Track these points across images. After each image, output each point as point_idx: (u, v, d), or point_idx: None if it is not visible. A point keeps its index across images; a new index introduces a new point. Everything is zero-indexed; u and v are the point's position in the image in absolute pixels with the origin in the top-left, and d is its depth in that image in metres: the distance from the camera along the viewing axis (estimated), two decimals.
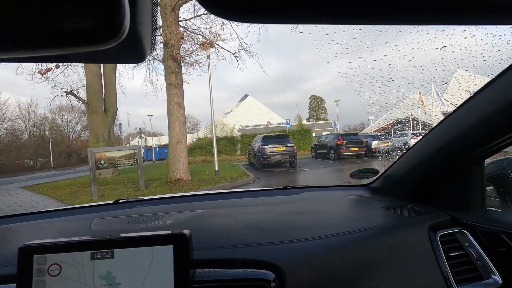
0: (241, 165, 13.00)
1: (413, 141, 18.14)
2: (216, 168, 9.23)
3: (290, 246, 0.74)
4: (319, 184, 2.82)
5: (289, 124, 24.96)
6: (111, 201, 1.30)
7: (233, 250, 0.72)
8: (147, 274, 0.54)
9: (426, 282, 0.76)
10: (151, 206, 1.20)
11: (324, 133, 17.99)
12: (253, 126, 35.95)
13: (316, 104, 61.30)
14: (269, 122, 38.98)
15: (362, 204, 1.15)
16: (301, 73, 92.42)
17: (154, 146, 33.46)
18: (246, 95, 47.62)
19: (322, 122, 42.59)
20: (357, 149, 13.82)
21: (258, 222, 0.92)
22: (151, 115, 30.18)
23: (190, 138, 25.82)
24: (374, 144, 15.43)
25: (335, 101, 25.20)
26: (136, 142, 38.18)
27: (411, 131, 21.48)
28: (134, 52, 0.30)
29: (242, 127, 34.92)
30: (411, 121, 25.46)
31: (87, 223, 0.96)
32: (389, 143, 15.68)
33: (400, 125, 28.59)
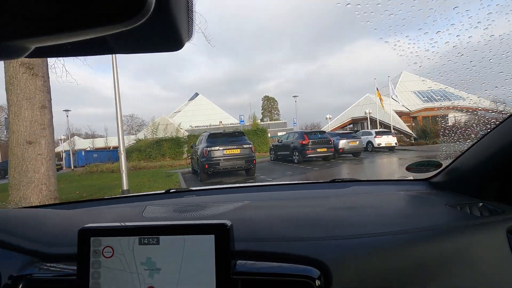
0: (181, 174, 9.94)
1: (377, 140, 16.76)
2: (125, 187, 5.83)
3: (337, 242, 0.68)
4: None
5: (243, 121, 22.52)
6: (163, 191, 1.40)
7: (276, 243, 0.69)
8: (188, 262, 0.55)
9: None
10: (197, 196, 1.28)
11: (281, 133, 15.63)
12: (204, 126, 33.42)
13: (269, 105, 60.80)
14: (221, 122, 36.68)
15: (421, 200, 1.02)
16: (255, 74, 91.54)
17: (81, 150, 28.08)
18: (196, 94, 45.01)
19: (276, 122, 41.18)
20: (325, 149, 11.59)
21: (303, 215, 0.88)
22: (67, 110, 24.68)
23: (128, 141, 21.76)
24: (342, 143, 13.41)
25: (294, 96, 23.16)
26: (66, 145, 32.25)
27: (375, 130, 20.48)
28: (170, 39, 0.28)
29: (192, 127, 32.26)
30: (368, 120, 24.84)
31: (140, 211, 1.01)
32: (358, 142, 13.89)
33: (352, 125, 27.87)
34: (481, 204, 0.88)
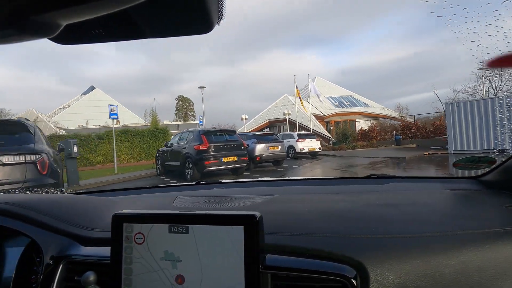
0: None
1: (300, 144, 13.44)
2: None
3: (375, 241, 0.63)
4: None
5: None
6: (193, 182, 1.43)
7: (308, 238, 0.65)
8: (216, 253, 0.55)
9: None
10: (227, 188, 1.29)
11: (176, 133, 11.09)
12: (96, 126, 26.18)
13: (184, 106, 55.26)
14: (118, 121, 29.74)
15: (473, 199, 0.95)
16: (171, 75, 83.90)
17: None
18: (92, 87, 36.22)
19: (188, 122, 36.02)
20: (235, 158, 7.62)
21: (337, 210, 0.84)
22: None
23: None
24: (260, 149, 9.66)
25: (200, 87, 18.54)
26: None
27: (297, 132, 17.82)
28: (200, 21, 0.28)
29: (81, 126, 24.79)
30: (287, 122, 22.46)
31: (171, 200, 1.02)
32: (280, 147, 10.44)
33: (269, 128, 25.30)
34: None
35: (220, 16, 0.29)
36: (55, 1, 0.21)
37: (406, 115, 23.56)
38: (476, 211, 0.82)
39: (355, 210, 0.83)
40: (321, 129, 22.20)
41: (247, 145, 9.07)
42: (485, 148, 12.11)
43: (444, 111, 15.16)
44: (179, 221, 0.57)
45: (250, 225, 0.53)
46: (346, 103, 30.16)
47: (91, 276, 0.61)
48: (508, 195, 0.91)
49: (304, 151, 14.10)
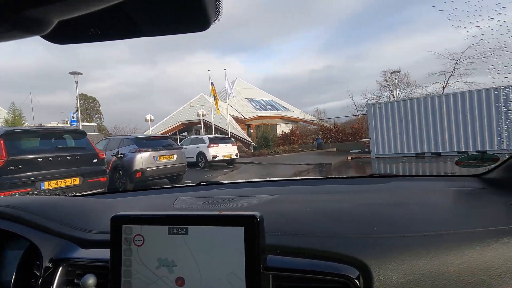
0: None
1: (212, 151, 10.46)
2: None
3: (378, 241, 0.62)
4: None
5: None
6: (194, 183, 1.41)
7: (310, 238, 0.65)
8: (216, 254, 0.54)
9: None
10: (228, 189, 1.26)
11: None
12: None
13: (88, 106, 46.44)
14: None
15: (476, 198, 0.94)
16: (79, 71, 70.83)
17: None
18: None
19: (86, 124, 29.30)
20: (75, 180, 4.12)
21: (339, 210, 0.83)
22: None
23: None
24: (142, 161, 6.40)
25: (72, 72, 13.65)
26: None
27: (209, 135, 14.74)
28: (197, 18, 0.28)
29: None
30: (202, 124, 19.34)
31: (171, 201, 1.00)
32: (175, 156, 7.30)
33: (186, 132, 21.95)
34: None
35: (217, 13, 0.28)
36: None
37: (324, 118, 23.38)
38: (479, 209, 0.82)
39: (357, 210, 0.82)
40: (241, 133, 19.94)
41: (117, 154, 5.78)
42: (406, 151, 11.66)
43: (367, 113, 14.41)
44: (179, 222, 0.56)
45: (251, 226, 0.53)
46: (267, 107, 29.22)
47: (90, 279, 0.62)
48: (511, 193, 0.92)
49: (217, 158, 11.39)
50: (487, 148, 10.17)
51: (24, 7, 0.21)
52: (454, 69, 18.09)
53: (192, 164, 11.52)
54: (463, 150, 10.54)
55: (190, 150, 11.63)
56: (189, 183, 1.46)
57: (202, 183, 1.37)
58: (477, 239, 0.61)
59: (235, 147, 12.24)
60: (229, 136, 17.83)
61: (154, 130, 21.68)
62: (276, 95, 31.38)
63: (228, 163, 12.19)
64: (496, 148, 9.99)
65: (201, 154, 11.41)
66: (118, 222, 0.58)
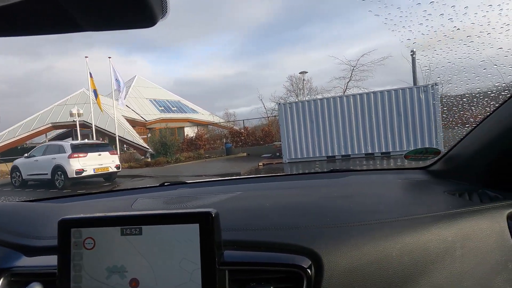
0: None
1: (75, 163, 7.47)
2: None
3: (329, 230, 0.66)
4: None
5: None
6: (157, 184, 1.34)
7: (266, 232, 0.67)
8: (172, 252, 0.53)
9: (504, 284, 0.64)
10: (191, 188, 1.24)
11: None
12: None
13: None
14: None
15: (419, 188, 1.03)
16: None
17: None
18: None
19: None
20: None
21: (296, 204, 0.86)
22: None
23: None
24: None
25: None
26: None
27: (73, 141, 10.72)
28: (142, 14, 0.27)
29: None
30: (77, 127, 15.03)
31: (129, 203, 0.97)
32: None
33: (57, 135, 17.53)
34: (480, 191, 0.86)
35: (164, 11, 0.27)
36: None
37: (234, 120, 21.85)
38: (423, 198, 0.90)
39: (313, 203, 0.86)
40: (135, 138, 16.39)
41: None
42: (318, 155, 10.94)
43: (277, 114, 13.23)
44: (132, 223, 0.54)
45: (206, 222, 0.53)
46: (173, 108, 26.19)
47: (36, 287, 0.59)
48: (451, 182, 0.98)
49: (85, 174, 8.08)
50: (390, 150, 10.30)
51: None
52: (351, 75, 19.60)
53: (46, 184, 7.95)
54: (370, 152, 10.47)
55: (43, 163, 8.02)
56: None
57: (165, 184, 1.32)
58: (417, 225, 0.67)
59: (115, 156, 9.09)
60: (118, 141, 14.21)
61: (8, 135, 15.91)
62: (188, 97, 28.76)
63: (106, 178, 9.01)
64: (397, 150, 10.16)
65: (58, 169, 7.90)
66: (66, 225, 0.55)
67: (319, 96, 17.09)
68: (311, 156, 10.87)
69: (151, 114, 22.99)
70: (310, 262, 0.58)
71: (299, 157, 10.97)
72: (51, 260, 0.61)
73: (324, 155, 10.83)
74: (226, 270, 0.55)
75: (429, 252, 0.63)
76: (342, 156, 10.72)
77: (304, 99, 15.98)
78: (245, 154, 15.67)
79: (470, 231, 0.67)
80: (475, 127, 0.91)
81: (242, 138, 16.73)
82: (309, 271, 0.57)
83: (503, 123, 0.80)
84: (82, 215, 0.57)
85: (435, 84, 9.92)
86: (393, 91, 10.17)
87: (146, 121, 21.82)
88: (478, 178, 0.91)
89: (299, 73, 16.71)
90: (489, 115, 0.86)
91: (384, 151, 10.34)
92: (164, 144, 14.10)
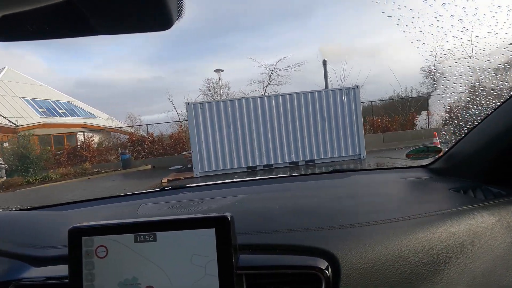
0: None
1: None
2: None
3: (342, 231, 0.66)
4: None
5: None
6: (158, 189, 1.33)
7: (278, 235, 0.66)
8: (188, 258, 0.52)
9: None
10: (194, 192, 1.20)
11: None
12: None
13: None
14: None
15: (423, 186, 1.03)
16: None
17: None
18: None
19: None
20: None
21: (304, 206, 0.85)
22: None
23: None
24: None
25: None
26: None
27: None
28: (158, 17, 0.27)
29: None
30: None
31: (134, 209, 0.96)
32: None
33: None
34: (483, 187, 0.86)
35: (179, 13, 0.27)
36: None
37: (139, 125, 18.23)
38: (429, 196, 0.90)
39: (321, 204, 0.86)
40: None
41: None
42: (236, 166, 9.10)
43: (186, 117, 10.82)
44: (146, 229, 0.53)
45: (222, 227, 0.52)
46: (61, 111, 20.85)
47: None
48: (454, 180, 0.98)
49: None
50: (315, 158, 9.28)
51: None
52: (270, 79, 18.96)
53: None
54: (294, 160, 9.23)
55: None
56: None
57: (166, 188, 1.30)
58: (427, 223, 0.67)
59: None
60: None
61: None
62: (91, 100, 23.40)
63: None
64: (322, 157, 9.21)
65: None
66: (77, 234, 0.54)
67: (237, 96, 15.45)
68: (229, 167, 8.99)
69: (27, 117, 17.62)
70: (327, 264, 0.58)
71: (214, 169, 8.95)
72: (60, 270, 0.60)
73: (244, 165, 9.08)
74: (243, 274, 0.54)
75: (441, 250, 0.63)
76: (264, 166, 9.19)
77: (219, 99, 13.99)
78: (149, 166, 12.77)
79: (479, 227, 0.68)
80: (477, 124, 0.92)
81: (146, 147, 13.67)
82: (327, 272, 0.56)
83: (504, 121, 0.82)
84: (93, 223, 0.55)
85: (357, 86, 9.44)
86: (316, 93, 9.20)
87: (18, 126, 16.41)
88: (480, 175, 0.93)
89: (214, 70, 14.70)
90: (491, 113, 0.87)
91: (308, 159, 9.24)
92: (24, 158, 9.92)
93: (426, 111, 16.27)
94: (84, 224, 0.55)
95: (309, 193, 0.99)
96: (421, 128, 15.03)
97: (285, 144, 9.13)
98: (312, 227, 0.67)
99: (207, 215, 0.54)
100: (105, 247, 0.52)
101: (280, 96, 9.26)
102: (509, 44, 0.95)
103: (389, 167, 1.42)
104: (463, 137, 0.96)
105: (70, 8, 0.22)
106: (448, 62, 1.15)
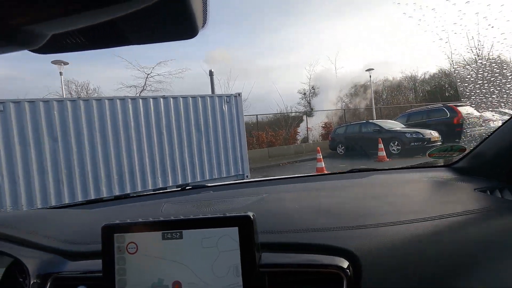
0: None
1: None
2: None
3: (363, 231, 0.66)
4: None
5: None
6: (179, 188, 1.40)
7: (298, 234, 0.67)
8: (212, 256, 0.54)
9: None
10: (214, 192, 1.23)
11: None
12: None
13: None
14: None
15: (447, 186, 0.99)
16: None
17: None
18: None
19: None
20: None
21: (325, 206, 0.85)
22: None
23: None
24: None
25: None
26: None
27: None
28: (184, 26, 0.29)
29: None
30: None
31: (158, 208, 1.01)
32: None
33: None
34: (510, 187, 0.85)
35: (204, 20, 0.29)
36: (43, 13, 0.20)
37: None
38: (454, 196, 0.86)
39: (341, 204, 0.84)
40: None
41: None
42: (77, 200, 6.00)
43: None
44: (173, 227, 0.56)
45: (245, 226, 0.54)
46: None
47: None
48: (479, 180, 0.96)
49: None
50: (189, 180, 7.23)
51: (21, 23, 0.20)
52: (145, 84, 16.62)
53: None
54: (160, 186, 6.89)
55: None
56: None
57: (187, 188, 1.36)
58: (453, 224, 0.66)
59: None
60: None
61: None
62: None
63: None
64: (198, 179, 7.26)
65: None
66: (110, 231, 0.57)
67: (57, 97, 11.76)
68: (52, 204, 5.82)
69: None
70: (348, 263, 0.58)
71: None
72: (94, 264, 0.64)
73: (81, 198, 6.10)
74: (266, 273, 0.56)
75: (467, 253, 0.62)
76: (115, 197, 6.43)
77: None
78: None
79: (507, 228, 0.67)
80: (503, 124, 0.90)
81: None
82: (348, 272, 0.56)
83: None
84: (124, 221, 0.58)
85: (239, 94, 8.06)
86: (190, 98, 7.25)
87: None
88: (506, 175, 0.91)
89: (52, 62, 10.88)
90: None
91: (180, 183, 7.09)
92: None
93: (306, 127, 16.88)
94: (116, 221, 0.58)
95: (329, 193, 0.98)
96: (302, 143, 15.31)
97: (148, 167, 6.69)
98: (332, 226, 0.67)
99: (231, 214, 0.55)
100: (135, 244, 0.56)
101: (140, 100, 6.83)
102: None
103: (410, 166, 1.24)
104: (488, 136, 0.95)
105: (107, 23, 0.23)
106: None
